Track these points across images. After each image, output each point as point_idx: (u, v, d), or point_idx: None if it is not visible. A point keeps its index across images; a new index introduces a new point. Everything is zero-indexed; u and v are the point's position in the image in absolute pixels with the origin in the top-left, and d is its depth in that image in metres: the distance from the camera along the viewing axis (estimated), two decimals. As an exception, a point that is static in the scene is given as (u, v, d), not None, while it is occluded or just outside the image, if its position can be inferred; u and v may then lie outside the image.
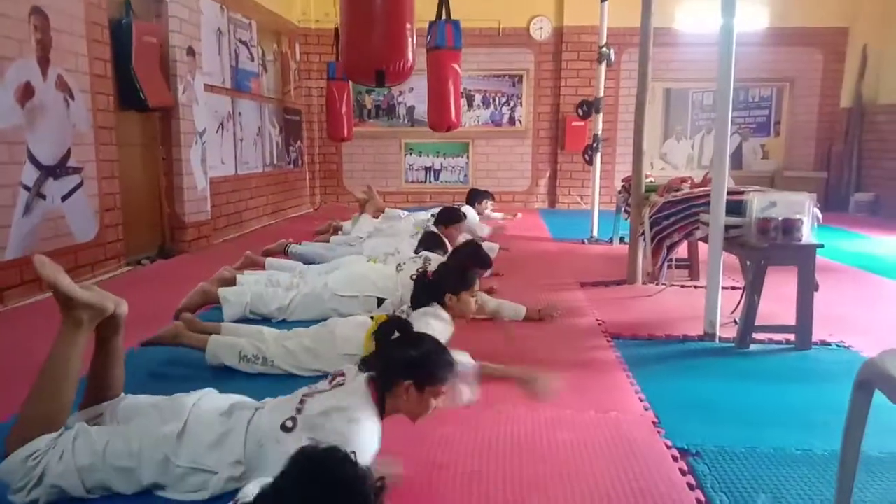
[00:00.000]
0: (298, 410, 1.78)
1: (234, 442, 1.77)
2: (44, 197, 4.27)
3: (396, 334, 1.96)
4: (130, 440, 1.79)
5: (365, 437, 1.73)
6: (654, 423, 2.35)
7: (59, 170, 4.42)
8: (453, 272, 2.84)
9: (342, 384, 1.85)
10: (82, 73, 4.64)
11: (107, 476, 1.76)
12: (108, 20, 4.96)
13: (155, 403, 1.96)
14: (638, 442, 2.19)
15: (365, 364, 1.90)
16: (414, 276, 3.64)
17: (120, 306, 1.94)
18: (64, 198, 4.47)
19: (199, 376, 2.72)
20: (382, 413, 1.85)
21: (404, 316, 2.83)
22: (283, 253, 5.13)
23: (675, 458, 2.08)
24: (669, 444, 2.18)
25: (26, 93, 4.10)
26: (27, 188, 4.12)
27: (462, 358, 2.19)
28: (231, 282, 3.91)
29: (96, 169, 4.81)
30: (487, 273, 4.70)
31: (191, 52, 6.03)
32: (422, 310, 2.74)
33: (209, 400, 1.94)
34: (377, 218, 6.25)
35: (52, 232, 4.36)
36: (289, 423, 1.76)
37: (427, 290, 2.77)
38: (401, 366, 1.85)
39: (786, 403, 2.56)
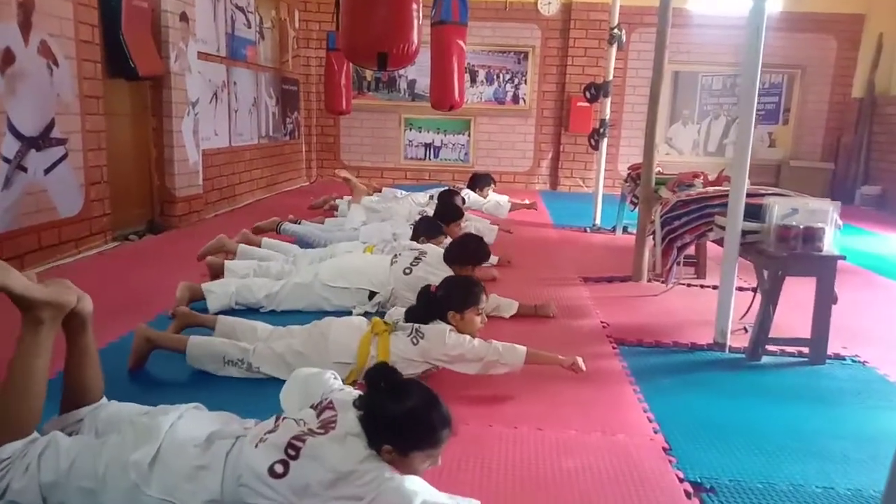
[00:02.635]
0: (290, 455, 1.62)
1: (210, 479, 1.62)
2: (25, 170, 4.07)
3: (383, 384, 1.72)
4: (97, 461, 1.65)
5: None
6: (664, 448, 2.21)
7: (41, 141, 4.20)
8: (459, 288, 2.60)
9: (332, 426, 1.68)
10: (67, 38, 4.39)
11: (69, 496, 1.64)
12: (96, -18, 4.70)
13: (133, 419, 1.81)
14: (648, 472, 2.05)
15: (357, 404, 1.72)
16: (408, 271, 3.49)
17: (83, 300, 1.79)
18: (47, 171, 4.26)
19: (186, 370, 2.59)
20: None
21: (394, 320, 2.67)
22: (276, 231, 4.95)
23: (688, 495, 1.94)
24: (681, 475, 2.04)
25: (6, 59, 3.86)
26: (7, 161, 3.91)
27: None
28: (220, 268, 3.76)
29: (82, 140, 4.59)
30: (493, 261, 4.51)
31: (184, 17, 5.75)
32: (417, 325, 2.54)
33: (189, 421, 1.77)
34: (371, 195, 6.05)
35: (34, 207, 4.16)
36: (279, 469, 1.61)
37: (430, 306, 2.56)
38: (381, 426, 1.65)
39: (802, 428, 2.42)
